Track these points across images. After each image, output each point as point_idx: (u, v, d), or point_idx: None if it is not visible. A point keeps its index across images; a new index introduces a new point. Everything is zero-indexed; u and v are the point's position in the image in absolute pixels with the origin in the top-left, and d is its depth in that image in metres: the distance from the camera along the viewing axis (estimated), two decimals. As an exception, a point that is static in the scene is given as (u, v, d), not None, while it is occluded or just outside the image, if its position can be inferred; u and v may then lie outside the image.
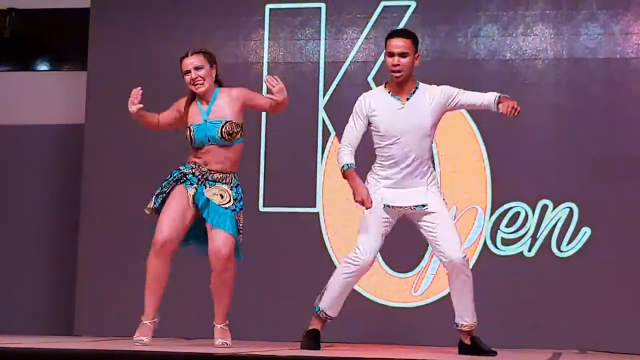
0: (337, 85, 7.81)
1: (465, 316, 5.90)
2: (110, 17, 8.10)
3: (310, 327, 6.05)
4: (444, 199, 5.91)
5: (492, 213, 7.53)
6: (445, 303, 7.46)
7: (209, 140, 6.02)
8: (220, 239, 5.92)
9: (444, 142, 7.60)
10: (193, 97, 6.10)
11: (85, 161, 8.06)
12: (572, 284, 7.39)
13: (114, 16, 8.10)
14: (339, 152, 5.94)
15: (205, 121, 6.03)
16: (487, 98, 5.87)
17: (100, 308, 7.84)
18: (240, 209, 6.01)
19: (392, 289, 7.62)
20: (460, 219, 7.55)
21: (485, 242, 7.54)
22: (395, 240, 7.56)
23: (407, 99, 5.82)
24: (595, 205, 7.43)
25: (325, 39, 7.87)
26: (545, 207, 7.51)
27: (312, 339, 5.98)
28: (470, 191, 7.58)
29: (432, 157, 5.92)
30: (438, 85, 5.96)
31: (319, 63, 7.84)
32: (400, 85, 5.83)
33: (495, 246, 7.53)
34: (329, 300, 5.99)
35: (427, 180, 5.83)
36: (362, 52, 7.82)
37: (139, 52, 8.05)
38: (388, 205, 5.84)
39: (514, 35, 7.67)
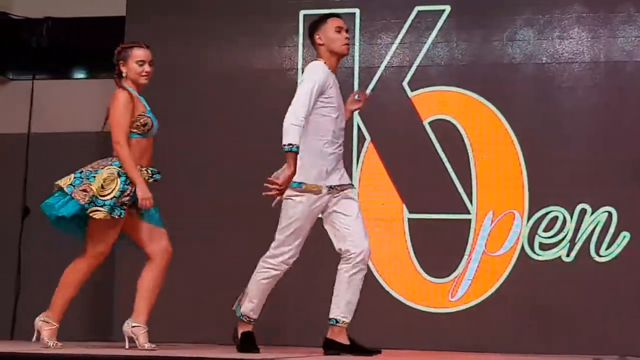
0: (372, 90, 7.78)
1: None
2: (145, 25, 8.12)
3: None
4: None
5: (529, 217, 7.47)
6: (482, 308, 7.46)
7: (155, 131, 6.23)
8: (166, 238, 6.26)
9: (481, 147, 7.57)
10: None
11: (122, 168, 8.10)
12: (611, 288, 7.32)
13: (149, 24, 8.11)
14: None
15: (149, 110, 6.25)
16: None
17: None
18: None
19: (429, 295, 7.58)
20: (497, 224, 7.51)
21: (522, 247, 7.48)
22: (431, 245, 7.58)
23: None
24: (634, 210, 7.35)
25: (360, 44, 7.85)
26: (583, 211, 7.44)
27: None
28: (507, 196, 7.53)
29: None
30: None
31: (353, 68, 7.82)
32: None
33: (533, 251, 7.47)
34: None
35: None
36: (396, 57, 7.80)
37: (174, 60, 8.07)
38: (331, 187, 6.03)
39: (550, 38, 7.61)
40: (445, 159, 7.60)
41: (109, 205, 6.00)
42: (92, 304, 8.46)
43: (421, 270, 7.56)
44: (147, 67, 6.21)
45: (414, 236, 7.59)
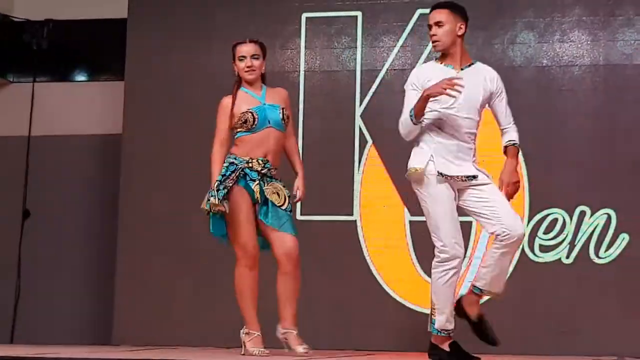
0: (374, 93, 7.80)
1: (488, 285, 5.71)
2: (147, 27, 8.13)
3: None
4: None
5: (529, 220, 7.50)
6: (483, 310, 7.46)
7: (269, 122, 6.06)
8: (290, 242, 6.04)
9: (480, 149, 7.57)
10: (238, 87, 6.16)
11: (123, 171, 8.10)
12: (611, 290, 7.36)
13: (151, 26, 8.13)
14: (401, 119, 5.79)
15: (264, 104, 6.09)
16: (506, 136, 5.85)
17: (139, 317, 7.87)
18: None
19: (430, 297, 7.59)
20: (497, 226, 7.53)
21: (523, 249, 7.49)
22: (432, 247, 7.59)
23: (462, 69, 5.74)
24: (633, 211, 7.39)
25: (362, 47, 7.87)
26: (583, 214, 7.47)
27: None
28: (507, 198, 7.56)
29: (475, 139, 5.79)
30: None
31: (355, 71, 7.85)
32: (450, 55, 5.75)
33: (533, 253, 7.50)
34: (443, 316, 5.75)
35: (472, 157, 5.75)
36: (398, 60, 7.82)
37: (176, 62, 8.08)
38: (441, 173, 5.67)
39: (551, 41, 7.65)
40: (446, 162, 7.62)
41: (212, 193, 5.98)
42: (92, 307, 8.47)
43: (422, 273, 7.57)
44: (248, 62, 6.11)
45: (416, 239, 7.60)
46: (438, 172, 5.66)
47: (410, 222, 7.63)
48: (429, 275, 7.52)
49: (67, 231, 8.54)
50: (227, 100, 6.15)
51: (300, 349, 5.97)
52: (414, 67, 7.71)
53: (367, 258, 7.69)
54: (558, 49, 7.64)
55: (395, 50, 7.82)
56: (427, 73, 5.74)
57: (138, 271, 7.96)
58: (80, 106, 8.71)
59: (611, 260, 7.42)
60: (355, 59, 7.85)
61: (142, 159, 8.06)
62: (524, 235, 5.72)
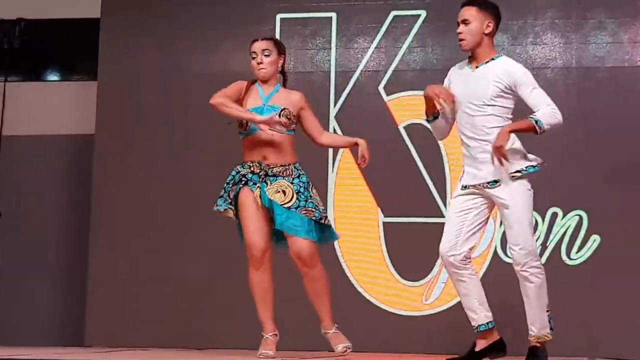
0: (348, 94, 7.82)
1: (532, 325, 5.74)
2: (120, 27, 8.11)
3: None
4: (528, 189, 5.78)
5: (502, 222, 7.53)
6: (455, 311, 7.49)
7: (261, 126, 5.99)
8: (297, 244, 5.97)
9: (453, 151, 7.61)
10: (253, 82, 6.12)
11: (95, 171, 8.07)
12: (582, 291, 7.41)
13: (124, 26, 8.11)
14: None
15: (264, 105, 6.03)
16: (537, 114, 5.75)
17: (111, 318, 7.84)
18: (308, 198, 6.02)
19: (403, 298, 7.62)
20: (470, 228, 7.56)
21: (495, 250, 7.55)
22: (405, 248, 7.63)
23: (477, 67, 5.69)
24: (604, 213, 7.45)
25: (336, 48, 7.89)
26: (554, 215, 7.52)
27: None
28: (479, 199, 7.59)
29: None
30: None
31: (329, 72, 7.86)
32: (474, 53, 5.71)
33: (506, 254, 7.53)
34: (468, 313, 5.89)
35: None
36: (372, 61, 7.84)
37: (149, 62, 8.06)
38: (465, 186, 5.69)
39: (524, 44, 7.69)
40: (420, 163, 7.65)
41: (219, 202, 6.05)
42: (65, 308, 8.43)
43: (396, 274, 7.60)
44: (258, 59, 6.04)
45: (389, 240, 7.63)
46: (463, 185, 5.70)
47: (384, 223, 7.66)
48: (402, 276, 7.61)
49: (38, 232, 8.50)
50: (240, 82, 6.11)
51: (339, 347, 6.04)
52: (387, 68, 7.80)
53: (340, 259, 7.70)
54: (531, 52, 7.69)
55: (370, 51, 7.84)
56: (450, 72, 5.79)
57: (110, 272, 7.94)
58: (52, 106, 8.67)
59: (582, 262, 7.48)
60: (329, 60, 7.87)
61: (115, 160, 8.03)
62: (526, 266, 5.66)
